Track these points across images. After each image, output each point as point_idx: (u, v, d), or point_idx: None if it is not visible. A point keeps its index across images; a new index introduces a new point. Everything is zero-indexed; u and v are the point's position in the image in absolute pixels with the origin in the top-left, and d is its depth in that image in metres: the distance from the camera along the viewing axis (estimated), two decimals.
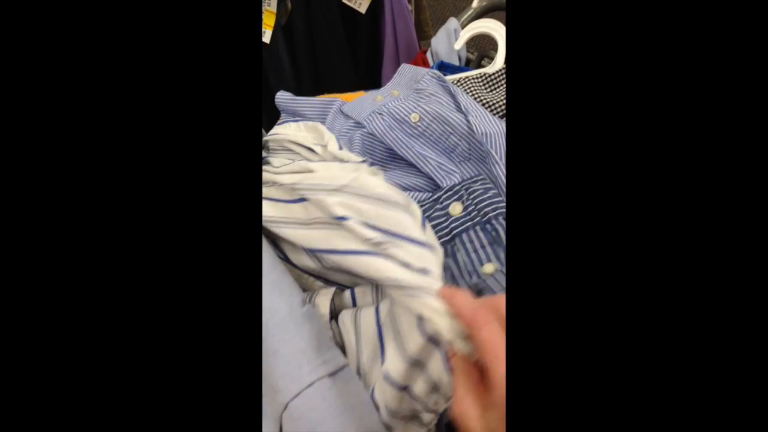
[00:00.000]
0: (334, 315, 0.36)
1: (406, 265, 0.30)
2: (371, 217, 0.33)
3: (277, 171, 0.41)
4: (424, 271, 0.30)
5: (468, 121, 0.47)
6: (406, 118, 0.50)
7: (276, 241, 0.41)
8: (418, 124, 0.50)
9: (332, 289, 0.37)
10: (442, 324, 0.27)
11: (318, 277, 0.39)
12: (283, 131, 0.50)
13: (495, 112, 0.52)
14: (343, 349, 0.35)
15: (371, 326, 0.34)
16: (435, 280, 0.30)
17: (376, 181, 0.35)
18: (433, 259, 0.31)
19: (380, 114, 0.52)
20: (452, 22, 0.67)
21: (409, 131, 0.51)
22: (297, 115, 0.56)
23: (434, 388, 0.31)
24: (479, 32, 0.60)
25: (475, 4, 0.67)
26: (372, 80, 0.90)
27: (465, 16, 0.69)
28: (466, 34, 0.59)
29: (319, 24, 0.79)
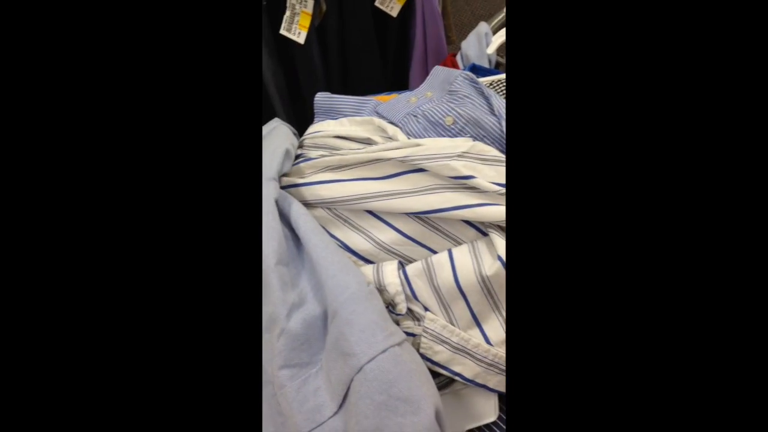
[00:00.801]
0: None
1: None
2: (491, 175, 0.40)
3: (348, 154, 0.46)
4: None
5: (501, 125, 0.49)
6: (440, 121, 0.52)
7: (327, 227, 0.45)
8: (452, 126, 0.52)
9: (395, 262, 0.42)
10: None
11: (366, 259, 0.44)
12: (322, 128, 0.53)
13: None
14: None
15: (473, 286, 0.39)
16: None
17: (489, 147, 0.43)
18: None
19: (415, 116, 0.54)
20: (483, 26, 0.69)
21: (443, 134, 0.53)
22: (334, 113, 0.58)
23: None
24: None
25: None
26: (400, 82, 0.91)
27: (495, 21, 0.70)
28: (498, 39, 0.61)
29: (351, 25, 0.81)
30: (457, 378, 0.40)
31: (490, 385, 0.40)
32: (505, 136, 0.48)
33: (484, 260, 0.39)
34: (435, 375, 0.39)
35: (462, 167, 0.40)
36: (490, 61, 0.67)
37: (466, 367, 0.39)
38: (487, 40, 0.66)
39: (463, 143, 0.42)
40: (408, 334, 0.41)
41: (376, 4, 0.78)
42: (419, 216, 0.43)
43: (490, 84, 0.56)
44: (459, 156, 0.41)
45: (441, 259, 0.40)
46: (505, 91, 0.55)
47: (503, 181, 0.41)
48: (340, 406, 0.36)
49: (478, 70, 0.63)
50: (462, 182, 0.41)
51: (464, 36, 0.72)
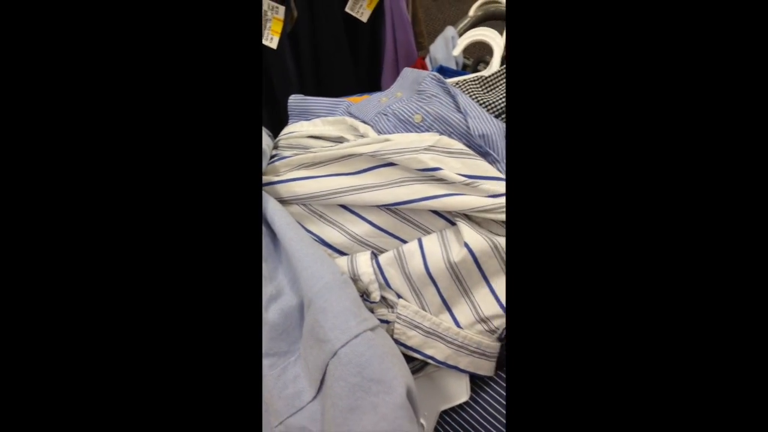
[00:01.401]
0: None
1: (495, 195, 0.41)
2: (457, 167, 0.43)
3: (320, 152, 0.48)
4: None
5: (466, 121, 0.51)
6: (409, 119, 0.55)
7: (303, 222, 0.47)
8: (421, 124, 0.54)
9: (368, 253, 0.44)
10: None
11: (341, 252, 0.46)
12: (296, 129, 0.54)
13: (493, 111, 0.56)
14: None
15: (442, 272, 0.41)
16: None
17: (454, 141, 0.45)
18: None
19: (385, 115, 0.56)
20: (449, 30, 0.72)
21: (412, 131, 0.56)
22: (308, 114, 0.60)
23: None
24: (476, 40, 0.65)
25: (471, 13, 0.72)
26: (372, 85, 0.94)
27: (461, 25, 0.73)
28: (464, 41, 0.64)
29: (322, 31, 0.83)
30: (429, 361, 0.42)
31: (461, 366, 0.42)
32: (469, 132, 0.50)
33: (452, 248, 0.42)
34: (409, 360, 0.41)
35: (429, 160, 0.42)
36: (457, 63, 0.70)
37: (437, 350, 0.41)
38: (454, 43, 0.69)
39: (430, 137, 0.45)
40: (382, 321, 0.43)
41: (347, 9, 0.81)
42: (390, 208, 0.45)
43: (456, 84, 0.59)
44: (426, 149, 0.43)
45: (411, 248, 0.42)
46: (469, 91, 0.58)
47: (468, 172, 0.43)
48: (318, 391, 0.38)
49: (445, 71, 0.66)
50: (430, 174, 0.43)
51: None
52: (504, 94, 0.57)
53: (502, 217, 0.41)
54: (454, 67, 0.70)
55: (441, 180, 0.43)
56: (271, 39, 0.78)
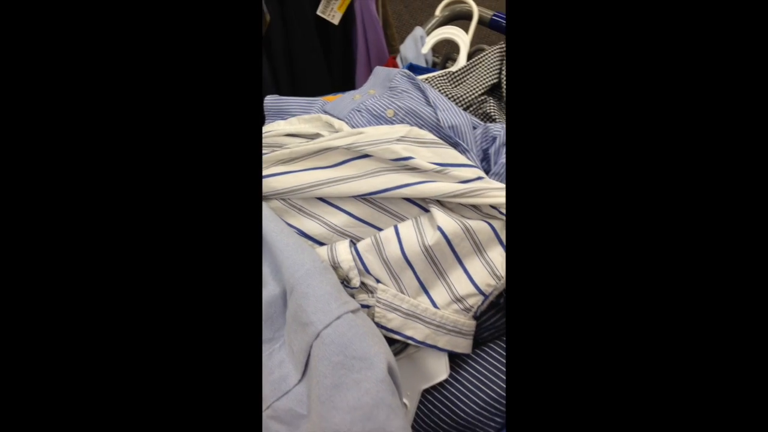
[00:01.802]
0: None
1: (465, 181, 0.44)
2: (428, 156, 0.45)
3: (297, 147, 0.50)
4: (480, 179, 0.43)
5: (436, 114, 0.54)
6: (382, 114, 0.57)
7: (283, 216, 0.48)
8: (393, 118, 0.57)
9: (347, 240, 0.46)
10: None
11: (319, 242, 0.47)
12: (273, 128, 0.56)
13: (461, 104, 0.59)
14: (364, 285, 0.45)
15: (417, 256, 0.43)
16: (490, 182, 0.43)
17: (425, 132, 0.48)
18: (482, 172, 0.45)
19: (359, 111, 0.59)
20: (418, 30, 0.75)
21: (385, 125, 0.58)
22: (283, 113, 0.62)
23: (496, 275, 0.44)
24: (443, 38, 0.68)
25: (438, 12, 0.74)
26: (346, 86, 0.96)
27: (429, 25, 0.76)
28: (432, 40, 0.67)
29: (295, 34, 0.85)
30: (409, 341, 0.44)
31: (440, 344, 0.44)
32: (439, 124, 0.53)
33: (426, 232, 0.44)
34: (390, 342, 0.43)
35: (401, 149, 0.44)
36: (426, 61, 0.73)
37: (417, 331, 0.43)
38: (422, 42, 0.71)
39: (402, 129, 0.47)
40: (363, 306, 0.45)
41: (318, 12, 0.83)
42: (367, 198, 0.47)
43: (426, 80, 0.62)
44: (398, 140, 0.45)
45: (388, 234, 0.44)
46: (438, 86, 0.60)
47: (439, 160, 0.46)
48: (303, 374, 0.39)
49: (415, 69, 0.69)
50: (403, 163, 0.45)
51: None
52: (471, 88, 0.59)
53: (473, 201, 0.44)
54: (424, 65, 0.72)
55: (414, 169, 0.45)
56: None
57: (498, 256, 0.44)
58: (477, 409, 0.44)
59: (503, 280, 0.43)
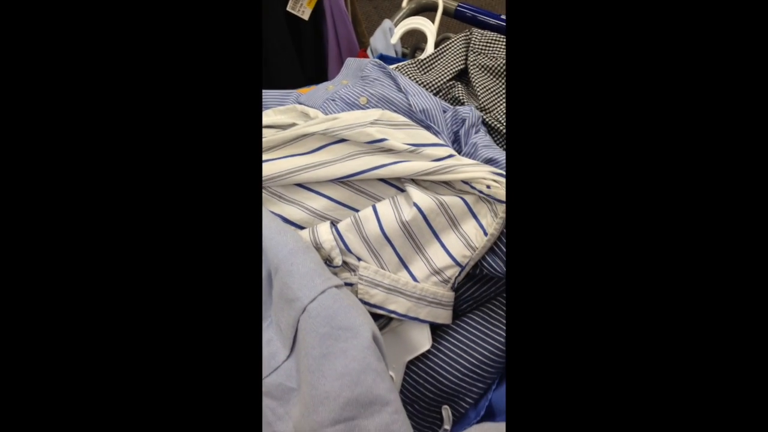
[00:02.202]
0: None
1: (438, 159, 0.46)
2: (401, 137, 0.47)
3: (273, 136, 0.51)
4: (452, 156, 0.46)
5: (407, 99, 0.56)
6: (355, 102, 0.59)
7: (264, 205, 0.49)
8: (366, 105, 0.59)
9: (327, 222, 0.47)
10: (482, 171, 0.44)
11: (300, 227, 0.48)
12: None
13: (430, 90, 0.61)
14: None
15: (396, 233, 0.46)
16: (462, 159, 0.47)
17: (397, 115, 0.50)
18: (453, 151, 0.47)
19: (333, 100, 0.60)
20: (387, 23, 0.77)
21: None
22: None
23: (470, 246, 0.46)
24: (411, 28, 0.70)
25: (404, 4, 0.77)
26: (319, 80, 0.97)
27: (397, 17, 0.78)
28: (400, 30, 0.69)
29: (266, 31, 0.86)
30: (392, 315, 0.46)
31: (421, 316, 0.46)
32: (411, 108, 0.55)
33: (403, 209, 0.46)
34: (375, 318, 0.45)
35: (375, 132, 0.46)
36: (396, 52, 0.75)
37: (399, 304, 0.45)
38: (391, 34, 0.73)
39: (374, 112, 0.49)
40: (347, 284, 0.46)
41: (288, 9, 0.84)
42: (344, 181, 0.48)
43: (396, 68, 0.64)
44: (372, 123, 0.47)
45: (367, 213, 0.46)
46: (408, 74, 0.63)
47: (412, 141, 0.48)
48: (292, 350, 0.41)
49: (385, 59, 0.71)
50: (378, 146, 0.47)
51: None
52: (439, 74, 0.62)
53: (446, 177, 0.46)
54: (393, 55, 0.74)
55: (388, 150, 0.47)
56: None
57: (472, 228, 0.46)
58: (460, 376, 0.46)
59: (477, 251, 0.45)
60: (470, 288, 0.49)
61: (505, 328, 0.47)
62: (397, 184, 0.49)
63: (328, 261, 0.47)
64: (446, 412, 0.46)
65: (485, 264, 0.46)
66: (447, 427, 0.46)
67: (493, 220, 0.45)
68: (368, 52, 0.78)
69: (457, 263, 0.46)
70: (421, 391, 0.47)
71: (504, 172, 0.45)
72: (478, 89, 0.60)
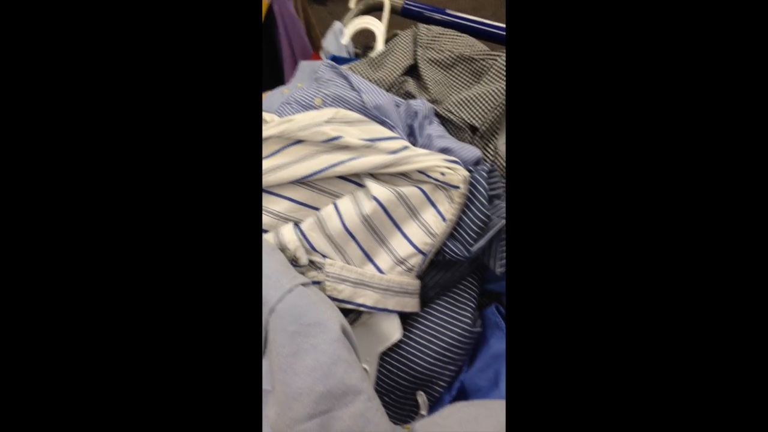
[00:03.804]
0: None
1: (393, 152, 0.47)
2: (356, 134, 0.48)
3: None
4: (407, 147, 0.47)
5: (361, 97, 0.57)
6: (310, 104, 0.59)
7: None
8: (322, 106, 0.59)
9: (290, 223, 0.48)
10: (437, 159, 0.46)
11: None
12: None
13: (382, 86, 0.62)
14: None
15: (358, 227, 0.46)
16: (416, 149, 0.48)
17: (351, 112, 0.51)
18: (407, 143, 0.49)
19: (289, 104, 0.61)
20: (337, 24, 0.78)
21: None
22: None
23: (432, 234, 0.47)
24: (361, 28, 0.71)
25: (352, 5, 0.78)
26: (276, 86, 0.97)
27: (346, 18, 0.79)
28: (350, 30, 0.70)
29: None
30: (361, 308, 0.47)
31: (390, 306, 0.47)
32: (365, 105, 0.56)
33: (363, 203, 0.47)
34: (345, 313, 0.46)
35: (331, 130, 0.47)
36: (348, 52, 0.76)
37: (367, 297, 0.46)
38: (342, 34, 0.74)
39: (329, 111, 0.50)
40: (314, 282, 0.47)
41: None
42: (304, 181, 0.49)
43: (349, 68, 0.65)
44: (327, 122, 0.48)
45: (328, 210, 0.47)
46: (360, 72, 0.64)
47: (367, 136, 0.49)
48: (263, 353, 0.41)
49: (338, 60, 0.72)
50: (334, 143, 0.48)
51: None
52: (390, 71, 0.63)
53: (403, 168, 0.47)
54: (346, 56, 0.75)
55: (344, 147, 0.48)
56: None
57: (431, 216, 0.47)
58: (432, 361, 0.47)
59: (438, 238, 0.47)
60: (435, 275, 0.51)
61: (471, 309, 0.48)
62: (356, 180, 0.50)
63: (293, 261, 0.47)
64: (422, 398, 0.47)
65: (446, 249, 0.48)
66: (423, 412, 0.47)
67: (450, 206, 0.47)
68: (321, 54, 0.79)
69: (420, 251, 0.47)
70: (396, 381, 0.48)
71: (457, 159, 0.47)
72: (428, 82, 0.62)
